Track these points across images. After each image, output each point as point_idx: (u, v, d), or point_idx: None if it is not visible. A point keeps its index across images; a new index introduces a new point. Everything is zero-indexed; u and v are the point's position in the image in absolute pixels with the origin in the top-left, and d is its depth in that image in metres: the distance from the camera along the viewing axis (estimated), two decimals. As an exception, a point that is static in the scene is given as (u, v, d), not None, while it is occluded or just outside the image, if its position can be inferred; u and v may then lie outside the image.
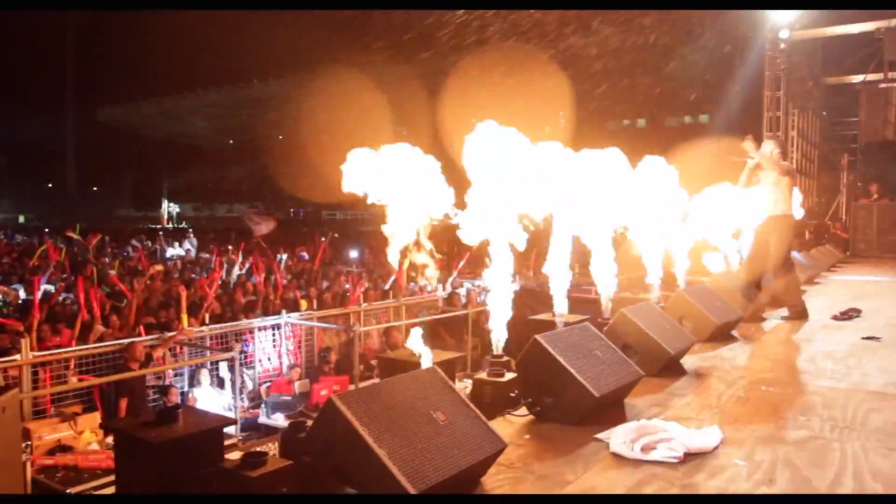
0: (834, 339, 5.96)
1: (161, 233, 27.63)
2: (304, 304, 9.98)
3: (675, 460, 3.15)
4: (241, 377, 7.83)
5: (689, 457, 3.20)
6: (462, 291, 11.39)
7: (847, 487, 2.91)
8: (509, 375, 4.06)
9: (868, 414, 3.89)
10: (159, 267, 13.04)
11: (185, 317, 7.99)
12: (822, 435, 3.55)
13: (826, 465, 3.13)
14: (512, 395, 3.99)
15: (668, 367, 4.77)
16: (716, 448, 3.32)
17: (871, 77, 14.15)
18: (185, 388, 7.77)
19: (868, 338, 5.93)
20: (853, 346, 5.65)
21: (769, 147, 7.16)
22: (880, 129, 13.55)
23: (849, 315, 6.67)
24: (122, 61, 54.09)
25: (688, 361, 5.11)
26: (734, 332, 6.23)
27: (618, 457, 3.22)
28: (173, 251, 19.03)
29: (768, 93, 14.26)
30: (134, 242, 20.59)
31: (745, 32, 14.86)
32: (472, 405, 2.94)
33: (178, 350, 7.94)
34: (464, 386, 4.66)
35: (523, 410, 3.84)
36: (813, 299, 8.42)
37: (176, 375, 7.90)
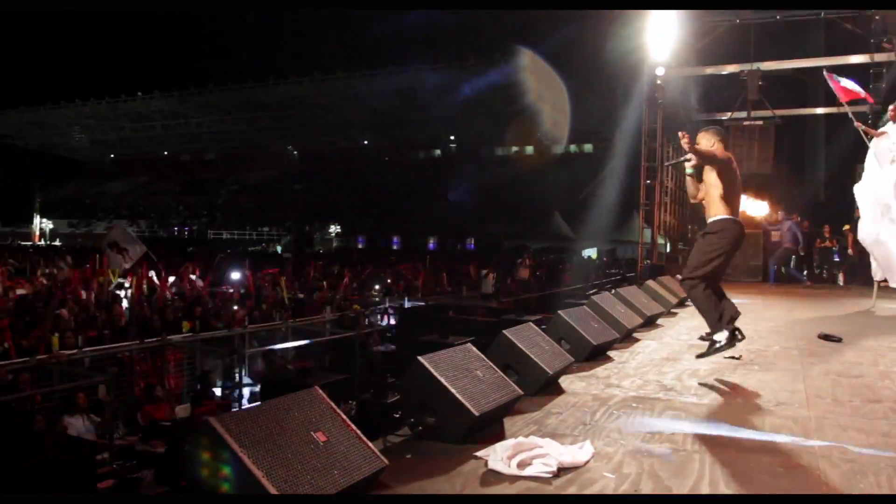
0: (699, 359, 6.35)
1: (31, 250, 26.03)
2: (186, 325, 9.66)
3: (549, 475, 3.29)
4: (118, 402, 7.49)
5: (563, 471, 3.36)
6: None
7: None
8: (394, 397, 4.12)
9: (727, 428, 4.20)
10: (22, 290, 12.28)
11: (55, 339, 7.59)
12: (685, 447, 3.81)
13: (686, 475, 3.37)
14: (396, 415, 4.06)
15: (547, 387, 4.96)
16: (587, 462, 3.50)
17: (737, 114, 15.30)
18: (57, 415, 7.35)
19: (729, 357, 6.37)
20: (716, 365, 6.05)
21: (706, 140, 5.58)
22: (745, 162, 14.58)
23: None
24: (-10, 66, 50.88)
25: (565, 381, 5.33)
26: (610, 353, 6.54)
27: (495, 473, 3.34)
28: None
29: (646, 125, 15.15)
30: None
31: (629, 69, 15.73)
32: (352, 425, 2.98)
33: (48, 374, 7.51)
34: (349, 408, 4.69)
35: (406, 431, 3.91)
36: (683, 321, 8.97)
37: (46, 401, 7.45)
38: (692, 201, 5.99)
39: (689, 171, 5.74)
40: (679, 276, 12.14)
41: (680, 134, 5.30)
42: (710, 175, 5.48)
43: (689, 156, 5.61)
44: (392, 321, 11.20)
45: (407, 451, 3.70)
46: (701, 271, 5.39)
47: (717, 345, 5.51)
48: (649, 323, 8.31)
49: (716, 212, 5.44)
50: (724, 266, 5.50)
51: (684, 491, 3.17)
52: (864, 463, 3.53)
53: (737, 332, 5.45)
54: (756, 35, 14.13)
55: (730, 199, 5.43)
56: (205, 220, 51.30)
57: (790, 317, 9.55)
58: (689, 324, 8.58)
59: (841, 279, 15.81)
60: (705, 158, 5.40)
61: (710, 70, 14.90)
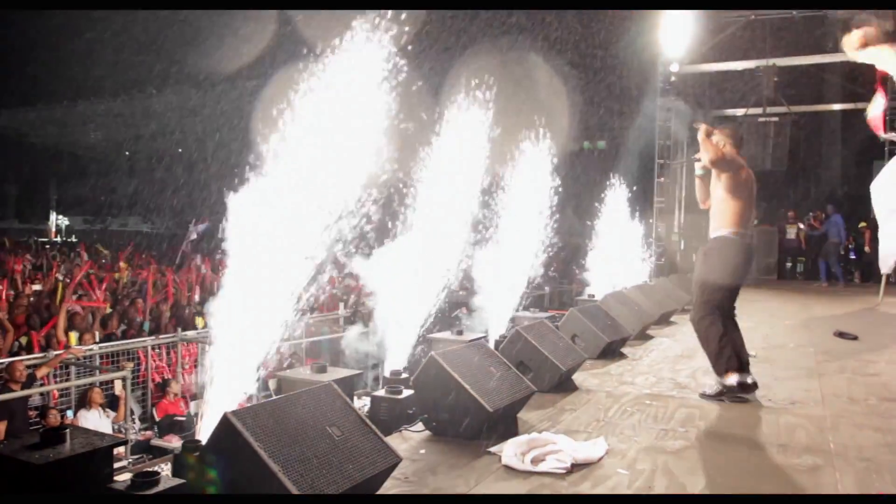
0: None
1: (47, 246, 26.24)
2: (200, 321, 9.71)
3: (563, 471, 3.30)
4: (132, 398, 7.55)
5: (577, 467, 3.36)
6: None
7: (717, 492, 3.14)
8: (407, 392, 4.13)
9: (741, 425, 4.19)
10: (37, 286, 12.35)
11: (72, 335, 7.65)
12: (698, 445, 3.80)
13: (699, 472, 3.36)
14: (410, 411, 4.07)
15: (561, 383, 4.96)
16: (601, 458, 3.50)
17: (752, 111, 15.18)
18: (72, 410, 7.41)
19: (744, 354, 6.33)
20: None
21: (715, 138, 4.88)
22: (759, 159, 14.44)
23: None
24: (6, 64, 51.18)
25: (579, 377, 5.33)
26: (623, 350, 6.53)
27: (509, 469, 3.35)
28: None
29: (660, 122, 15.07)
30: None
31: (643, 64, 15.66)
32: (367, 421, 2.99)
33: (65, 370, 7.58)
34: (363, 404, 4.70)
35: (420, 426, 3.92)
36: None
37: (63, 396, 7.53)
38: (701, 207, 5.22)
39: (698, 171, 5.11)
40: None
41: (696, 125, 4.76)
42: (715, 182, 4.86)
43: (699, 155, 5.01)
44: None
45: (421, 446, 3.71)
46: (704, 309, 4.79)
47: (719, 388, 4.79)
48: (664, 320, 8.29)
49: (718, 225, 4.83)
50: (731, 294, 4.85)
51: (698, 488, 3.16)
52: (881, 462, 3.51)
53: (743, 385, 4.70)
54: (772, 31, 14.01)
55: (735, 211, 4.77)
56: (219, 216, 51.44)
57: (805, 314, 9.49)
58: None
59: (857, 277, 15.68)
60: (710, 160, 4.76)
61: (724, 66, 14.78)
